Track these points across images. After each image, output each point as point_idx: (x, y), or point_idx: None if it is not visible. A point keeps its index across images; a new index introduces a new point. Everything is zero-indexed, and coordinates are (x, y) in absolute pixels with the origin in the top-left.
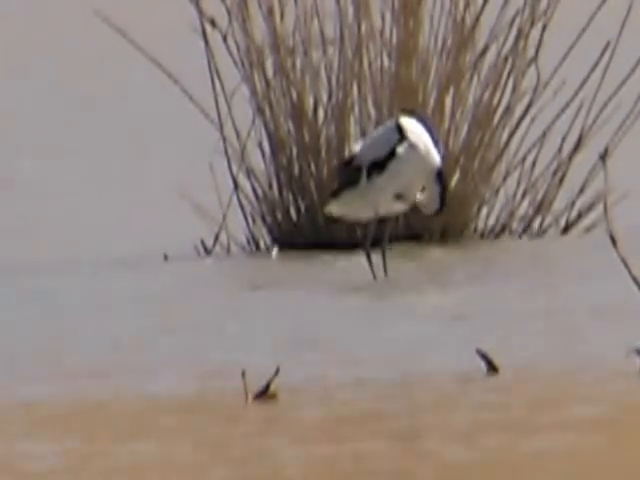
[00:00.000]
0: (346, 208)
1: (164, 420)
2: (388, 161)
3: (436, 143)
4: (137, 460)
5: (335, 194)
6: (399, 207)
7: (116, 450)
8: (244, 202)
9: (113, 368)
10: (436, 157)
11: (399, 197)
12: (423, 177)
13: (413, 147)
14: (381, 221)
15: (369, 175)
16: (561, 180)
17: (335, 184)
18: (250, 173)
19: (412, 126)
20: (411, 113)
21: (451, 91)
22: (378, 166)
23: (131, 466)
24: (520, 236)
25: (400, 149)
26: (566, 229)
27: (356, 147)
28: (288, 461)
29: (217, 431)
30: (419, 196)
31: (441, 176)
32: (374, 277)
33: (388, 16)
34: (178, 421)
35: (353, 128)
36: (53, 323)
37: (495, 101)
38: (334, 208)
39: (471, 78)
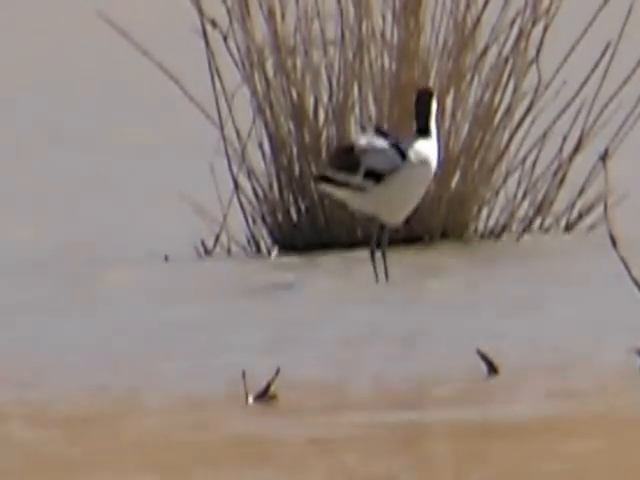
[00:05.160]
0: (340, 192)
1: (164, 422)
2: (387, 177)
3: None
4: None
5: (329, 170)
6: (391, 219)
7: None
8: (244, 203)
9: (113, 368)
10: (431, 175)
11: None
12: (418, 196)
13: (412, 170)
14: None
15: (365, 176)
16: (561, 181)
17: (327, 162)
18: (250, 173)
19: (414, 148)
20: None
21: (452, 92)
22: (376, 176)
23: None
24: (520, 237)
25: (401, 171)
26: (566, 230)
27: (361, 140)
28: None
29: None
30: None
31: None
32: (376, 278)
33: (389, 16)
34: (177, 422)
35: (354, 128)
36: (53, 323)
37: (496, 102)
38: (328, 188)
39: (472, 79)
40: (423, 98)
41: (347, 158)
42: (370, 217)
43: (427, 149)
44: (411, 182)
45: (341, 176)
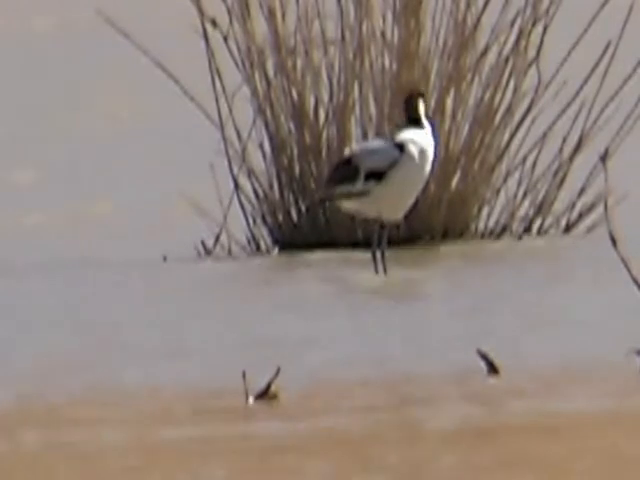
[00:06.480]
0: (346, 203)
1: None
2: (387, 172)
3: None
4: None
5: (330, 187)
6: (394, 215)
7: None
8: (245, 203)
9: (113, 367)
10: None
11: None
12: (419, 187)
13: (412, 161)
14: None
15: (366, 179)
16: (562, 181)
17: (328, 177)
18: (251, 174)
19: (411, 139)
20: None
21: (452, 92)
22: (377, 175)
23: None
24: (521, 236)
25: (400, 163)
26: (567, 229)
27: (355, 147)
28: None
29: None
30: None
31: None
32: (376, 273)
33: (389, 17)
34: (177, 421)
35: (354, 129)
36: (54, 323)
37: (496, 102)
38: (335, 204)
39: (472, 79)
40: (411, 97)
41: (346, 169)
42: (372, 219)
43: (423, 138)
44: (412, 172)
45: (343, 188)
